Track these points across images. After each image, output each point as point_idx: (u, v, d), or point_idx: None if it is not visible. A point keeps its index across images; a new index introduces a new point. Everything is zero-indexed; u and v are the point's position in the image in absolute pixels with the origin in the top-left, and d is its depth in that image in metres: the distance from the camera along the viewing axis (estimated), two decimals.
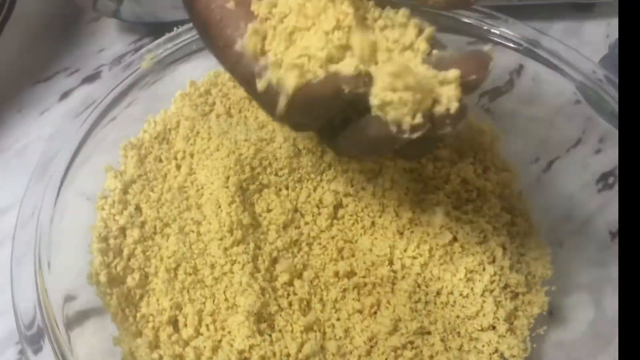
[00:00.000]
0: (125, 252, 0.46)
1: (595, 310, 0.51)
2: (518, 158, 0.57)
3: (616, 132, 0.53)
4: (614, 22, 0.73)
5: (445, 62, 0.32)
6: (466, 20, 0.56)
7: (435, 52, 0.34)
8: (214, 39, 0.37)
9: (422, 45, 0.33)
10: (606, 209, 0.55)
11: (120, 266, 0.46)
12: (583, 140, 0.57)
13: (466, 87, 0.31)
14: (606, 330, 0.50)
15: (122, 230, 0.47)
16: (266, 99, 0.36)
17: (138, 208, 0.49)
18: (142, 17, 0.68)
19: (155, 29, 0.68)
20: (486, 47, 0.33)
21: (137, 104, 0.54)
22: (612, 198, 0.55)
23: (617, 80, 0.52)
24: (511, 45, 0.55)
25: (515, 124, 0.59)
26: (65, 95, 0.68)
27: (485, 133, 0.53)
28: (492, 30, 0.55)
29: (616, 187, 0.55)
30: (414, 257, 0.48)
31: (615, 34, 0.71)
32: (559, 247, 0.53)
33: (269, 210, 0.49)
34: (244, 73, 0.36)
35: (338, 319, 0.47)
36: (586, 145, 0.57)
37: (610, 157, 0.55)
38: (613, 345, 0.49)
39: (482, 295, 0.47)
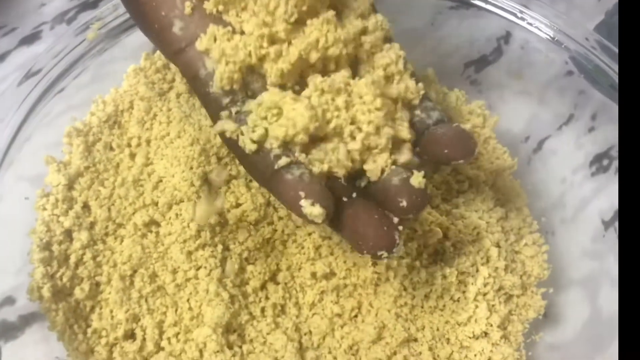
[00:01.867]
0: (72, 259, 0.41)
1: (590, 309, 0.48)
2: (507, 137, 0.53)
3: (612, 105, 0.48)
4: None
5: (433, 140, 0.33)
6: None
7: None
8: (148, 22, 0.33)
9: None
10: (600, 195, 0.51)
11: (67, 276, 0.40)
12: (576, 117, 0.53)
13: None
14: (601, 331, 0.47)
15: (68, 234, 0.41)
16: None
17: (86, 206, 0.42)
18: None
19: None
20: (467, 126, 0.35)
21: (85, 74, 0.47)
22: (606, 182, 0.51)
23: (614, 48, 0.47)
24: (496, 11, 0.50)
25: (503, 98, 0.55)
26: None
27: (477, 115, 0.48)
28: None
29: (610, 171, 0.52)
30: (401, 257, 0.43)
31: None
32: (551, 235, 0.50)
33: (238, 205, 0.43)
34: (187, 68, 0.33)
35: (316, 325, 0.43)
36: (579, 122, 0.53)
37: (604, 136, 0.52)
38: (609, 347, 0.46)
39: (474, 299, 0.43)
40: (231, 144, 0.32)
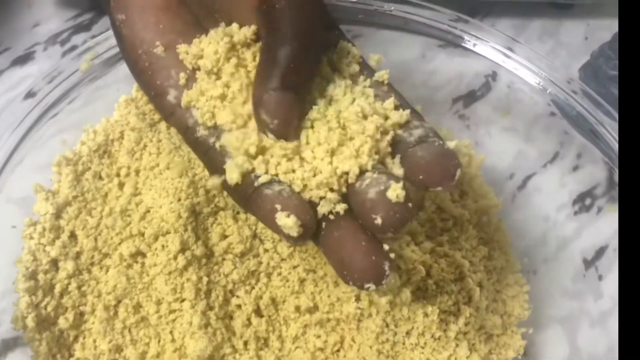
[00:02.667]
0: (57, 288, 0.41)
1: (569, 348, 0.49)
2: (493, 174, 0.54)
3: (593, 148, 0.49)
4: (594, 22, 0.69)
5: (410, 163, 0.30)
6: (437, 25, 0.51)
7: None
8: (144, 86, 0.35)
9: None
10: (582, 234, 0.52)
11: (51, 305, 0.40)
12: (560, 155, 0.54)
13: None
14: None
15: (54, 263, 0.41)
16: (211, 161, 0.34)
17: (73, 236, 0.42)
18: None
19: (98, 2, 0.60)
20: (452, 144, 0.31)
21: (80, 99, 0.48)
22: (588, 222, 0.52)
23: (594, 94, 0.48)
24: (482, 52, 0.51)
25: (490, 133, 0.56)
26: None
27: (464, 154, 0.49)
28: (463, 37, 0.51)
29: (593, 210, 0.52)
30: (384, 294, 0.43)
31: (594, 37, 0.67)
32: (533, 274, 0.50)
33: (224, 237, 0.44)
34: (179, 124, 0.34)
35: (298, 359, 0.43)
36: (564, 160, 0.54)
37: (588, 175, 0.52)
38: None
39: (455, 338, 0.44)
40: (215, 168, 0.33)
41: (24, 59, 0.61)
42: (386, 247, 0.29)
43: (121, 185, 0.44)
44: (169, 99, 0.33)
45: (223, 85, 0.33)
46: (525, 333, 0.47)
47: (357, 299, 0.43)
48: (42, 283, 0.40)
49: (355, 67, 0.36)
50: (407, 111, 0.33)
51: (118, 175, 0.44)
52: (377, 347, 0.43)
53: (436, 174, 0.29)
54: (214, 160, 0.33)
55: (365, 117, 0.32)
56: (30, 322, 0.39)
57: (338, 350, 0.44)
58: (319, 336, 0.44)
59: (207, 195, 0.43)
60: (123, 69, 0.48)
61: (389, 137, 0.32)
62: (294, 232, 0.28)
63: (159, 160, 0.44)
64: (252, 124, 0.33)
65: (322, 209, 0.30)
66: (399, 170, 0.30)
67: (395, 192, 0.28)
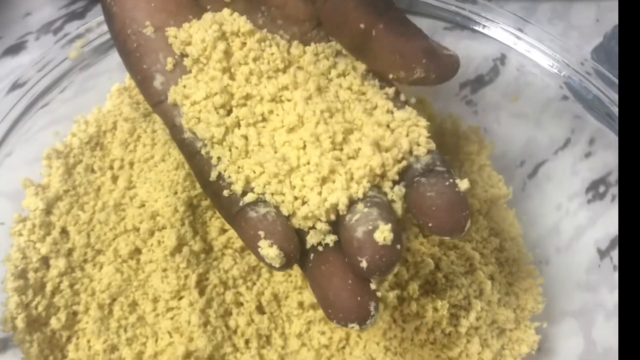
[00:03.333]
0: (49, 287, 0.39)
1: (584, 341, 0.47)
2: (502, 161, 0.52)
3: (608, 132, 0.47)
4: (605, 4, 0.67)
5: (419, 204, 0.28)
6: (443, 6, 0.49)
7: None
8: (131, 69, 0.33)
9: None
10: (596, 223, 0.50)
11: (42, 305, 0.38)
12: (572, 142, 0.52)
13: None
14: None
15: (45, 261, 0.40)
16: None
17: (64, 232, 0.41)
18: None
19: None
20: (463, 185, 0.29)
21: (70, 87, 0.46)
22: (602, 210, 0.50)
23: (610, 75, 0.46)
24: (491, 34, 0.48)
25: (498, 120, 0.54)
26: None
27: (473, 141, 0.47)
28: (471, 18, 0.48)
29: (607, 198, 0.50)
30: (391, 288, 0.42)
31: (606, 19, 0.65)
32: (545, 265, 0.48)
33: (223, 231, 0.42)
34: (165, 118, 0.32)
35: (302, 357, 0.41)
36: (576, 147, 0.51)
37: (601, 162, 0.50)
38: None
39: (466, 334, 0.42)
40: (200, 174, 0.31)
41: (15, 49, 0.60)
42: (373, 286, 0.28)
43: (114, 179, 0.42)
44: (155, 85, 0.31)
45: (207, 83, 0.31)
46: (540, 327, 0.45)
47: None
48: (32, 282, 0.38)
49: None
50: (425, 141, 0.31)
51: (111, 168, 0.42)
52: (385, 344, 0.41)
53: (446, 224, 0.28)
54: (199, 166, 0.31)
55: (378, 145, 0.30)
56: (20, 322, 0.37)
57: (343, 347, 0.42)
58: (323, 333, 0.42)
59: None
60: (116, 56, 0.47)
61: (396, 170, 0.30)
62: (276, 264, 0.27)
63: (154, 152, 0.42)
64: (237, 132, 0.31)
65: (311, 240, 0.29)
66: (397, 199, 0.29)
67: (383, 234, 0.26)
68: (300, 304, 0.42)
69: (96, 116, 0.43)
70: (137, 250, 0.41)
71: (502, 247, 0.45)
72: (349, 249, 0.27)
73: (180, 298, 0.40)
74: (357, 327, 0.27)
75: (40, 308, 0.38)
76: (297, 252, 0.28)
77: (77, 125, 0.43)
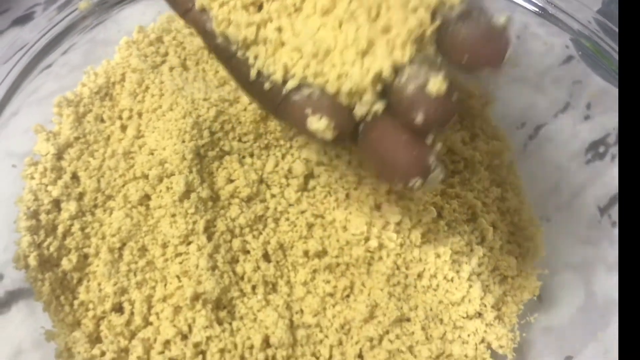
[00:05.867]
0: (60, 229, 0.40)
1: (585, 293, 0.48)
2: (503, 123, 0.53)
3: (609, 93, 0.48)
4: None
5: (454, 42, 0.26)
6: None
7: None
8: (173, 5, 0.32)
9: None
10: (595, 182, 0.51)
11: (54, 246, 0.39)
12: (572, 105, 0.53)
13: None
14: (596, 316, 0.47)
15: (56, 204, 0.40)
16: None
17: (75, 177, 0.41)
18: None
19: None
20: (502, 19, 0.26)
21: (75, 50, 0.47)
22: (601, 169, 0.51)
23: (617, 30, 0.46)
24: None
25: (499, 85, 0.54)
26: None
27: (475, 96, 0.48)
28: None
29: (607, 158, 0.51)
30: (395, 232, 0.42)
31: None
32: (546, 222, 0.49)
33: (230, 181, 0.43)
34: (196, 25, 0.31)
35: (307, 304, 0.42)
36: (575, 110, 0.53)
37: (600, 124, 0.51)
38: (604, 332, 0.46)
39: (468, 279, 0.42)
40: (238, 76, 0.31)
41: (23, 20, 0.61)
42: (429, 141, 0.27)
43: (123, 128, 0.43)
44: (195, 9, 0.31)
45: None
46: (541, 278, 0.46)
47: (366, 241, 0.43)
48: (44, 223, 0.39)
49: None
50: None
51: (120, 117, 0.43)
52: (388, 290, 0.42)
53: (484, 52, 0.25)
54: (237, 69, 0.31)
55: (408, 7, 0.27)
56: (32, 261, 0.38)
57: (348, 296, 0.43)
58: (328, 281, 0.43)
59: (212, 137, 0.42)
60: (122, 17, 0.48)
61: (433, 28, 0.27)
62: (329, 135, 0.27)
63: (162, 101, 0.43)
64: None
65: (359, 112, 0.28)
66: (439, 56, 0.27)
67: (436, 85, 0.25)
68: (306, 253, 0.43)
69: (105, 68, 0.44)
70: (146, 197, 0.41)
71: (504, 197, 0.45)
72: (401, 108, 0.26)
73: (189, 243, 0.41)
74: (419, 181, 0.26)
75: (51, 249, 0.39)
76: (347, 121, 0.27)
77: (86, 76, 0.44)
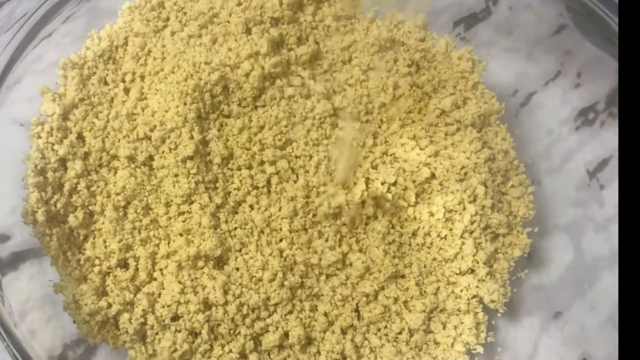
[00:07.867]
0: (66, 187, 0.41)
1: (574, 252, 0.49)
2: (495, 90, 0.54)
3: (600, 62, 0.49)
4: None
5: None
6: None
7: None
8: None
9: None
10: (585, 147, 0.53)
11: (61, 203, 0.40)
12: (562, 73, 0.54)
13: None
14: (584, 274, 0.48)
15: (62, 162, 0.41)
16: None
17: (80, 137, 0.42)
18: None
19: None
20: None
21: (75, 20, 0.47)
22: (591, 135, 0.52)
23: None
24: None
25: (491, 54, 0.56)
26: None
27: (466, 60, 0.49)
28: None
29: (596, 124, 0.53)
30: (388, 192, 0.44)
31: None
32: (537, 184, 0.51)
33: (230, 145, 0.44)
34: None
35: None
36: (565, 78, 0.54)
37: (589, 92, 0.53)
38: (591, 290, 0.48)
39: (461, 236, 0.44)
40: None
41: None
42: None
43: (127, 91, 0.44)
44: None
45: None
46: (531, 233, 0.47)
47: (363, 202, 0.44)
48: (52, 180, 0.40)
49: None
50: None
51: (123, 80, 0.44)
52: (384, 248, 0.44)
53: None
54: None
55: None
56: (40, 216, 0.39)
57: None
58: (326, 239, 0.44)
59: (213, 100, 0.43)
60: None
61: None
62: None
63: (164, 64, 0.44)
64: None
65: None
66: None
67: None
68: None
69: (108, 32, 0.45)
70: (150, 157, 0.42)
71: (495, 158, 0.47)
72: None
73: (192, 202, 0.42)
74: None
75: (59, 205, 0.40)
76: None
77: (90, 40, 0.45)
